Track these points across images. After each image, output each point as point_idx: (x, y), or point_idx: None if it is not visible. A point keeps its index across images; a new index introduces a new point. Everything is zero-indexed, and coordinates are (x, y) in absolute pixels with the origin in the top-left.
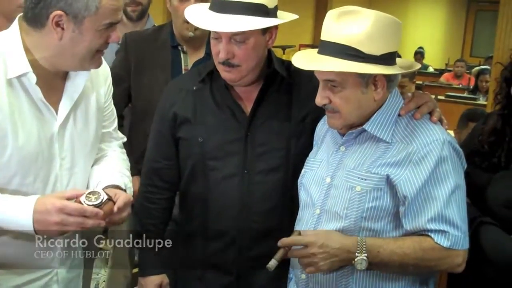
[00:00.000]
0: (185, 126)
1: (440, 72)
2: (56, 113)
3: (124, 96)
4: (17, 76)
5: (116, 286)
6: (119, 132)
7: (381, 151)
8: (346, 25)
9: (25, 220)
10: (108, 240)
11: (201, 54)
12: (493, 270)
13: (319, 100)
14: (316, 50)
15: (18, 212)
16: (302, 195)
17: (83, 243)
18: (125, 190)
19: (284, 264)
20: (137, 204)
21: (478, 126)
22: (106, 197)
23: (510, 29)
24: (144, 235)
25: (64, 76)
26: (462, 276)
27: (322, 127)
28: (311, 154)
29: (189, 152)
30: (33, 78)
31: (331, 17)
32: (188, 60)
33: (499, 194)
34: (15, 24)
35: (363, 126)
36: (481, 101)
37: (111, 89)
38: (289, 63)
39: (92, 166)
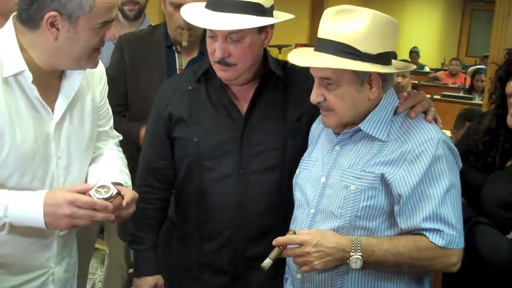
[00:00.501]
0: (180, 126)
1: (436, 72)
2: (52, 112)
3: (124, 98)
4: (13, 75)
5: (113, 286)
6: (114, 130)
7: (376, 150)
8: (343, 23)
9: (35, 214)
10: (104, 240)
11: (195, 53)
12: (487, 270)
13: (314, 97)
14: (312, 48)
15: (29, 206)
16: (297, 195)
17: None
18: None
19: (280, 264)
20: None
21: (473, 126)
22: (115, 191)
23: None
24: (139, 235)
25: (60, 75)
26: (457, 275)
27: (317, 127)
28: (306, 154)
29: (185, 152)
30: (29, 76)
31: (328, 15)
32: (183, 60)
33: (494, 194)
34: (10, 23)
35: (359, 126)
36: (477, 100)
37: (106, 88)
38: (285, 63)
39: (89, 165)
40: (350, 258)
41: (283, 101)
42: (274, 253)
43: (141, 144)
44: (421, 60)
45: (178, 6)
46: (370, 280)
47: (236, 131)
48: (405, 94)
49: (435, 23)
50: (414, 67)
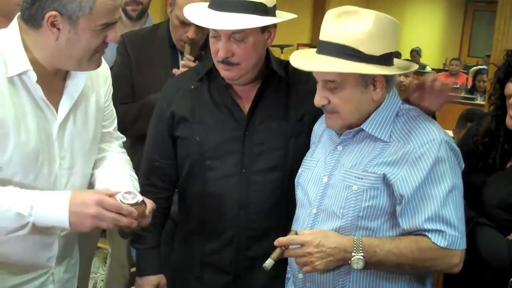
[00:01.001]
0: (183, 125)
1: (438, 72)
2: (56, 112)
3: (131, 95)
4: (18, 74)
5: (114, 285)
6: (118, 131)
7: (378, 150)
8: (346, 25)
9: (61, 213)
10: (106, 239)
11: (197, 53)
12: (488, 271)
13: (318, 100)
14: (313, 50)
15: (54, 206)
16: (299, 195)
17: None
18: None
19: (282, 264)
20: None
21: (473, 127)
22: (141, 198)
23: (507, 30)
24: (141, 235)
25: (64, 75)
26: (457, 276)
27: (319, 127)
28: (308, 154)
29: (187, 151)
30: (33, 76)
31: (330, 17)
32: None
33: (494, 196)
34: (14, 23)
35: (361, 126)
36: (479, 101)
37: (110, 89)
38: (287, 62)
39: (95, 166)
40: (352, 259)
41: (285, 101)
42: (275, 254)
43: None
44: (423, 60)
45: (183, 23)
46: (372, 280)
47: (238, 130)
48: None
49: (437, 23)
50: (416, 66)
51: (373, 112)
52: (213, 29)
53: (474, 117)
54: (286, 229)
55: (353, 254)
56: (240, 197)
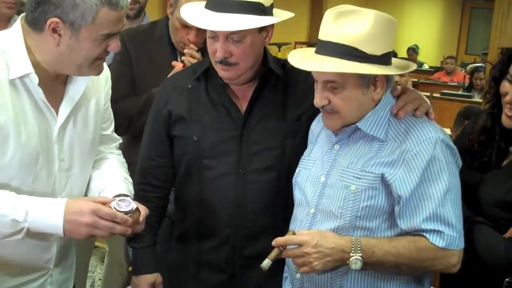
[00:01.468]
0: (179, 124)
1: (436, 70)
2: (57, 114)
3: (132, 92)
4: (20, 77)
5: (112, 284)
6: (115, 134)
7: (375, 149)
8: (346, 25)
9: (55, 220)
10: (104, 238)
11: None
12: (484, 270)
13: (318, 101)
14: (312, 49)
15: (49, 212)
16: (297, 194)
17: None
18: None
19: (279, 263)
20: None
21: (469, 125)
22: (135, 206)
23: (505, 27)
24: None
25: (66, 78)
26: (454, 275)
27: (316, 126)
28: (305, 153)
29: (184, 150)
30: (35, 79)
31: (330, 17)
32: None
33: (491, 194)
34: (18, 24)
35: (357, 124)
36: (476, 98)
37: (110, 92)
38: (285, 61)
39: (92, 169)
40: (350, 259)
41: (282, 100)
42: (273, 254)
43: None
44: (420, 58)
45: (185, 25)
46: (370, 280)
47: (235, 130)
48: (398, 88)
49: (435, 21)
50: (415, 66)
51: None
52: (210, 30)
53: (471, 115)
54: (282, 229)
55: (351, 254)
56: (237, 196)
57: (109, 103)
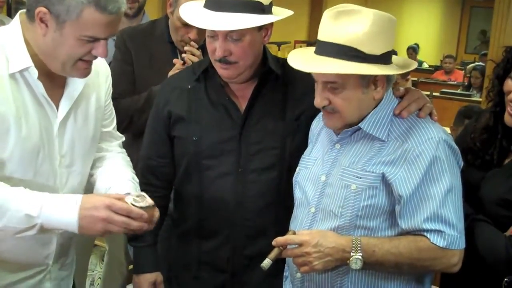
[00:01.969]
0: (179, 124)
1: (435, 69)
2: (57, 109)
3: (133, 91)
4: (19, 71)
5: (112, 283)
6: (117, 131)
7: (376, 149)
8: (345, 25)
9: (70, 216)
10: (103, 237)
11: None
12: (485, 267)
13: (319, 101)
14: (311, 49)
15: (64, 208)
16: (297, 193)
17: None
18: None
19: (279, 263)
20: None
21: (470, 123)
22: (152, 202)
23: (504, 26)
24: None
25: None
26: (454, 273)
27: (317, 125)
28: (306, 152)
29: (184, 150)
30: (34, 72)
31: (329, 17)
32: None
33: (492, 192)
34: (16, 19)
35: (359, 125)
36: (476, 97)
37: (111, 89)
38: (284, 61)
39: (94, 166)
40: (351, 259)
41: (282, 99)
42: (273, 253)
43: None
44: (420, 57)
45: (186, 24)
46: (370, 280)
47: (234, 129)
48: (401, 88)
49: (434, 20)
50: (415, 65)
51: (372, 110)
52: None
53: (471, 114)
54: (282, 228)
55: (351, 254)
56: (237, 196)
57: (110, 101)
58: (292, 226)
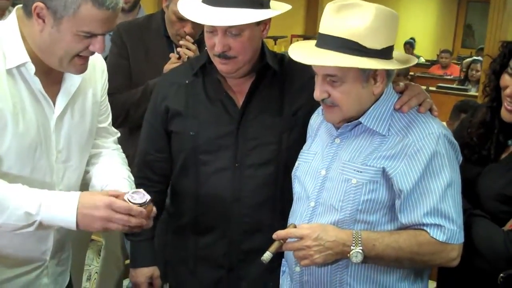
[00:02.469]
0: (177, 119)
1: (432, 63)
2: (54, 105)
3: (129, 85)
4: (16, 66)
5: (109, 278)
6: (112, 127)
7: (376, 143)
8: (347, 19)
9: (68, 214)
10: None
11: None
12: (482, 261)
13: (318, 94)
14: (312, 42)
15: (62, 206)
16: (296, 188)
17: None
18: None
19: (277, 257)
20: None
21: (467, 118)
22: (149, 198)
23: (501, 21)
24: None
25: None
26: (452, 268)
27: (316, 120)
28: (305, 147)
29: (181, 145)
30: (31, 68)
31: (331, 10)
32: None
33: (490, 187)
34: (13, 14)
35: (359, 119)
36: (472, 92)
37: (107, 84)
38: (282, 56)
39: (90, 163)
40: (351, 252)
41: (279, 95)
42: (274, 247)
43: None
44: (416, 52)
45: (181, 18)
46: (370, 273)
47: (232, 125)
48: (401, 84)
49: (431, 14)
50: (416, 60)
51: (372, 105)
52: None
53: (467, 109)
54: (279, 223)
55: (352, 247)
56: (234, 191)
57: (106, 96)
58: (291, 220)
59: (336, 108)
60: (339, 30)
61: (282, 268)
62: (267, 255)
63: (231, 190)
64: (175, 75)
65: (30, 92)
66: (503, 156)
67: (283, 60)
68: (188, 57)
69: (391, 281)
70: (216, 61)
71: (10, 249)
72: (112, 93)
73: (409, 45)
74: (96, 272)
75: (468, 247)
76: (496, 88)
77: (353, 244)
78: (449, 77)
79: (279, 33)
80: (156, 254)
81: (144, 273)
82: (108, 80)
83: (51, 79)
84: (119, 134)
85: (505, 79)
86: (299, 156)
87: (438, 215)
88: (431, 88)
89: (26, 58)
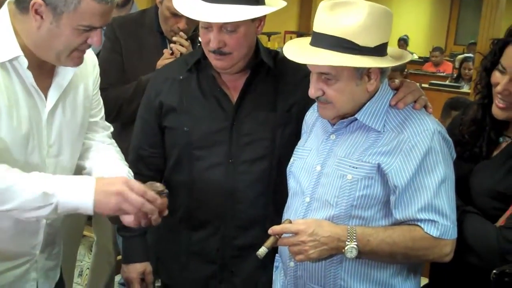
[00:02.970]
0: (171, 115)
1: (425, 60)
2: (46, 100)
3: (122, 80)
4: (9, 60)
5: (100, 273)
6: (105, 121)
7: (372, 140)
8: (340, 17)
9: (86, 192)
10: (92, 227)
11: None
12: (475, 258)
13: (313, 92)
14: (307, 39)
15: (79, 185)
16: (291, 183)
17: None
18: None
19: (270, 253)
20: None
21: (458, 116)
22: (167, 190)
23: (494, 18)
24: None
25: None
26: (444, 265)
27: (311, 116)
28: (300, 143)
29: (175, 141)
30: (24, 62)
31: (324, 8)
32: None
33: (482, 184)
34: (5, 8)
35: (355, 116)
36: (465, 89)
37: (98, 78)
38: (276, 52)
39: (83, 157)
40: (346, 248)
41: (273, 91)
42: (269, 242)
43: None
44: (409, 49)
45: (175, 14)
46: (364, 269)
47: (226, 120)
48: (396, 80)
49: (424, 11)
50: (410, 56)
51: (367, 102)
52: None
53: (458, 106)
54: (273, 219)
55: (346, 243)
56: (227, 186)
57: (98, 90)
58: (286, 216)
59: (330, 105)
60: (332, 29)
61: (275, 264)
62: (262, 250)
63: (225, 185)
64: (169, 71)
65: (23, 86)
66: (495, 153)
67: (277, 57)
68: (181, 53)
69: (385, 276)
70: (211, 57)
71: (0, 243)
72: (105, 88)
73: (403, 42)
74: (88, 268)
75: (460, 243)
76: (488, 85)
77: (348, 240)
78: (441, 74)
79: (273, 29)
80: (149, 249)
81: (136, 268)
82: (101, 75)
83: (42, 73)
84: (112, 129)
85: (496, 76)
86: (294, 152)
87: (432, 210)
88: (423, 85)
89: (19, 52)
